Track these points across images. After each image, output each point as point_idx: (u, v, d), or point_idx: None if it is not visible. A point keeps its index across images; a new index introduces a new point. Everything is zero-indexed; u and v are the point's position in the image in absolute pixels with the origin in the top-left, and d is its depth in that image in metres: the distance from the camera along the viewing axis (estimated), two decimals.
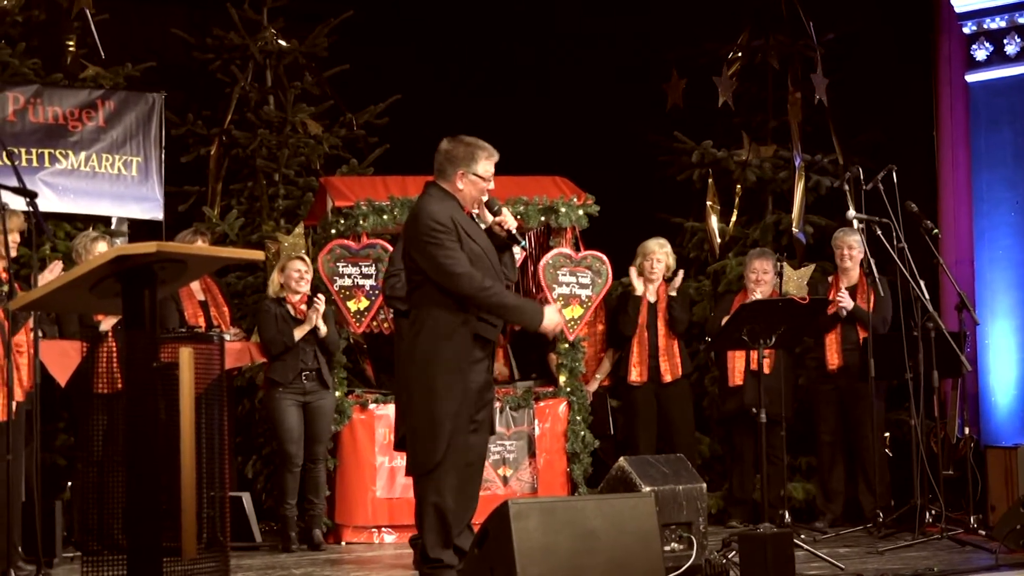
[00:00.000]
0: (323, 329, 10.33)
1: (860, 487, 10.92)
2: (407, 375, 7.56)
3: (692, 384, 11.69)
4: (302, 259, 10.52)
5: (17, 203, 8.46)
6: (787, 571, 7.35)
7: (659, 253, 11.43)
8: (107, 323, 9.54)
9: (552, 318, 7.59)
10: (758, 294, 11.01)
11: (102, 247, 9.89)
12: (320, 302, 10.32)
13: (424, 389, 7.41)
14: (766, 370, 10.29)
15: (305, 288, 10.46)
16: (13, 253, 8.71)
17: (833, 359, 10.92)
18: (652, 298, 11.39)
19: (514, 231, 7.64)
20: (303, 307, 10.41)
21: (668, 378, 11.31)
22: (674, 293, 11.33)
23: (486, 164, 7.59)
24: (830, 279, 11.17)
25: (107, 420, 7.58)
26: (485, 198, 7.73)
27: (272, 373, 10.38)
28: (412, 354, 7.49)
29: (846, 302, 10.76)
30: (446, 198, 7.54)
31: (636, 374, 11.30)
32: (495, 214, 7.69)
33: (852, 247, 10.91)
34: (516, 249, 7.97)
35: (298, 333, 10.29)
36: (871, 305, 10.43)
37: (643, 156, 13.14)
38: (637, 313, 11.29)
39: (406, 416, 7.72)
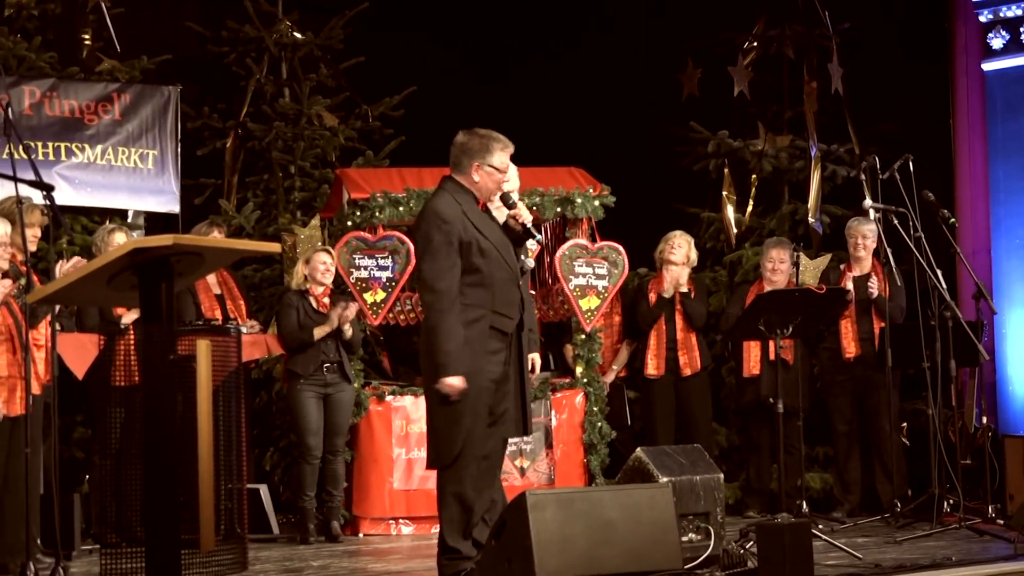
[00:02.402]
0: (348, 332, 10.34)
1: (877, 476, 10.91)
2: (425, 368, 7.55)
3: (709, 376, 11.68)
4: (327, 251, 10.52)
5: (34, 197, 8.47)
6: (805, 561, 7.33)
7: (681, 239, 11.43)
8: (129, 317, 9.55)
9: (454, 386, 7.22)
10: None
11: (120, 238, 9.89)
12: (351, 309, 10.31)
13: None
14: (789, 361, 10.37)
15: (329, 280, 10.47)
16: (33, 248, 8.72)
17: (850, 348, 10.90)
18: (669, 292, 11.40)
19: (529, 225, 7.61)
20: (326, 300, 10.42)
21: (687, 371, 11.31)
22: (684, 289, 11.31)
23: (501, 155, 7.56)
24: (842, 267, 11.17)
25: (124, 413, 7.61)
26: (510, 190, 7.74)
27: (293, 365, 10.39)
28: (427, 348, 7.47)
29: (873, 288, 10.73)
30: (460, 192, 7.52)
31: (653, 367, 11.30)
32: (510, 207, 7.67)
33: (866, 236, 10.90)
34: (531, 242, 7.94)
35: (318, 332, 10.30)
36: (886, 294, 10.47)
37: (659, 146, 13.13)
38: (660, 313, 11.30)
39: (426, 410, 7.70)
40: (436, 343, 7.25)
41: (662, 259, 11.44)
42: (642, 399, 11.56)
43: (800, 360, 10.83)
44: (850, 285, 10.84)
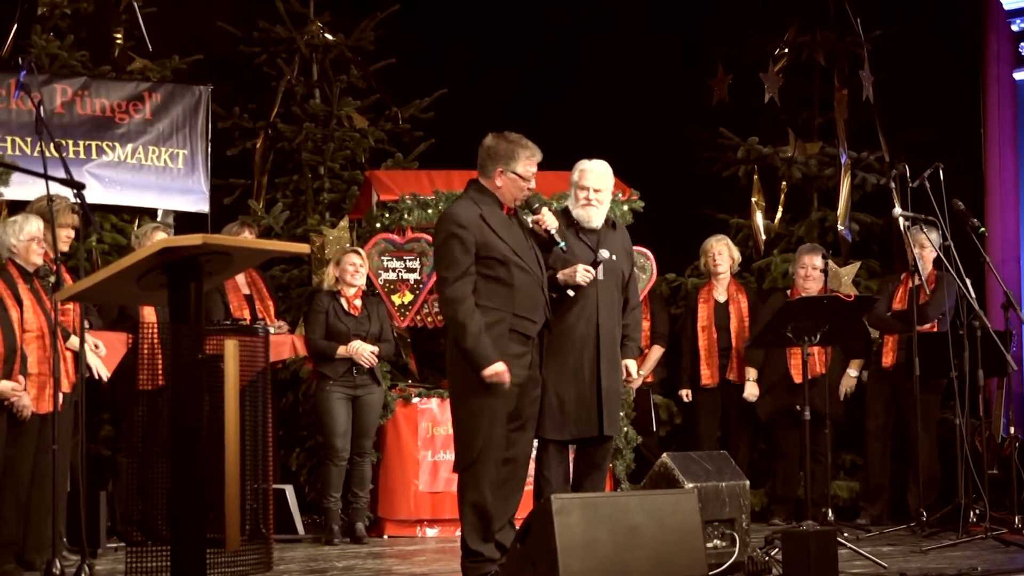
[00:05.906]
0: (365, 366, 10.40)
1: (909, 485, 10.89)
2: (449, 372, 7.58)
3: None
4: (357, 252, 10.53)
5: (65, 195, 8.49)
6: (830, 569, 7.33)
7: (718, 246, 11.47)
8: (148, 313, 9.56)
9: (497, 373, 7.29)
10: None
11: (161, 238, 9.90)
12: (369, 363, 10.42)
13: (461, 386, 7.42)
14: (822, 369, 10.38)
15: (360, 281, 10.47)
16: (65, 248, 8.75)
17: (887, 357, 10.90)
18: (722, 298, 11.41)
19: (554, 231, 7.60)
20: (357, 302, 10.42)
21: (736, 380, 11.34)
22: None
23: (527, 164, 7.53)
24: (902, 276, 11.12)
25: (151, 412, 7.62)
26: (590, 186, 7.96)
27: (322, 367, 10.40)
28: (451, 351, 7.49)
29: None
30: (483, 196, 7.52)
31: (708, 376, 11.36)
32: (534, 212, 7.66)
33: (924, 246, 10.75)
34: (562, 245, 7.87)
35: (341, 352, 10.32)
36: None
37: (688, 152, 13.12)
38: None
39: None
40: (464, 345, 7.30)
41: (707, 271, 11.52)
42: (690, 405, 11.58)
43: (831, 367, 10.85)
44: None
